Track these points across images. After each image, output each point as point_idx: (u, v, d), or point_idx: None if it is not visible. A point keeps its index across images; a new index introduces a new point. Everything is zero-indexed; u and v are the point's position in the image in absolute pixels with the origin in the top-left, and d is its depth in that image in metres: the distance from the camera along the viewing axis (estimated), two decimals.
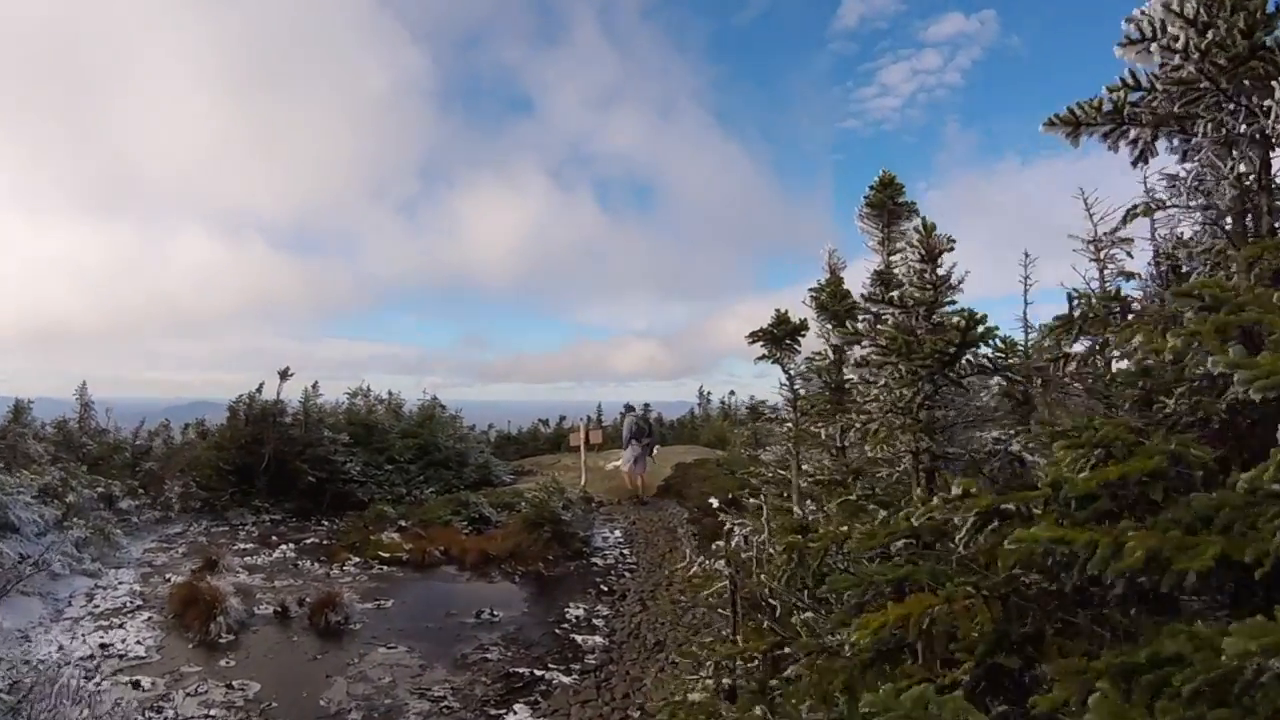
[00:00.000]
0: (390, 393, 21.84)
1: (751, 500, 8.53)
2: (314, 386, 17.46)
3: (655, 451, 21.40)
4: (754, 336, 6.38)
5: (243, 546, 13.09)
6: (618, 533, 13.93)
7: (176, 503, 15.02)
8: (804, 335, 6.52)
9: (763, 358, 6.50)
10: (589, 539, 12.92)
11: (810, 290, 7.05)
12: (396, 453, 18.38)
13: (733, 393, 31.59)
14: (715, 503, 6.78)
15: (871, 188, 7.92)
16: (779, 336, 6.30)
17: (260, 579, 11.01)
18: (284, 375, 17.17)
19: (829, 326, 6.80)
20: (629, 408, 19.37)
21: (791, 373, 6.50)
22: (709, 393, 31.49)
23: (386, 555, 11.93)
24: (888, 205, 7.74)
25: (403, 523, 13.50)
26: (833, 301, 6.81)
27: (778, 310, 6.48)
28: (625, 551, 12.65)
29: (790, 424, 6.45)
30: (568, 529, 12.31)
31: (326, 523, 15.33)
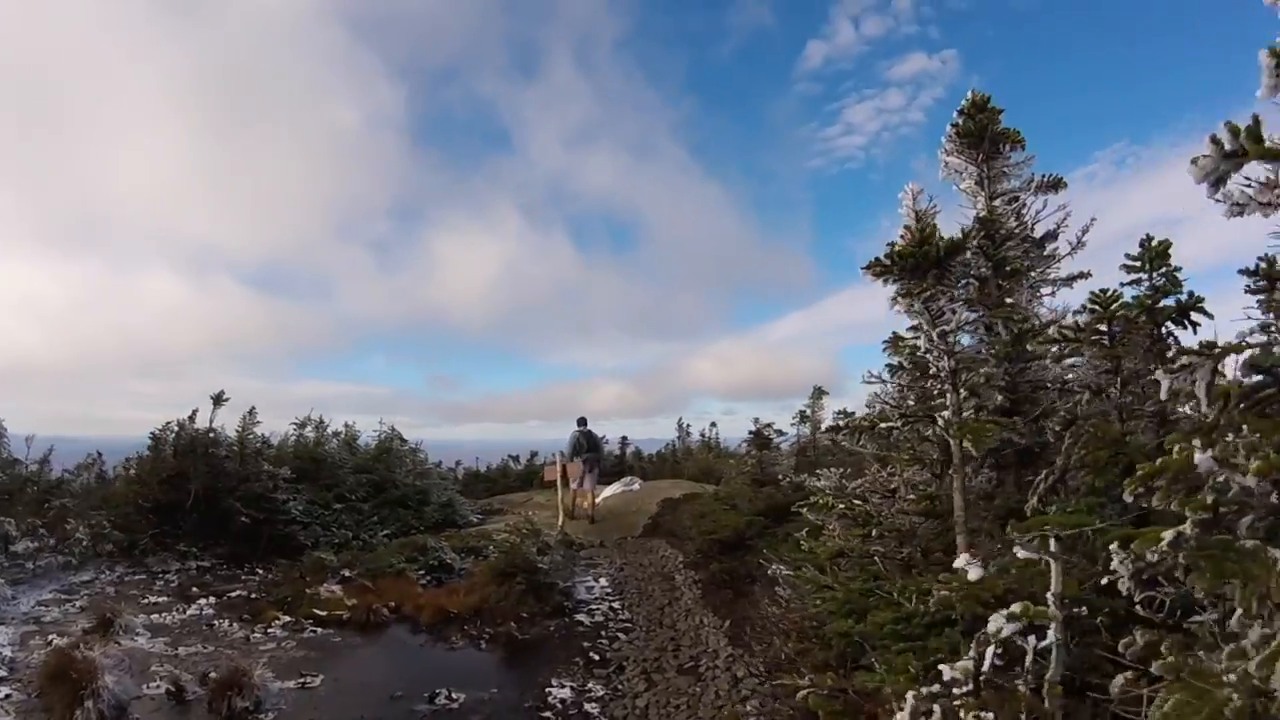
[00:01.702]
0: (346, 424, 19.69)
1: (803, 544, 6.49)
2: (251, 413, 15.16)
3: (639, 484, 19.58)
4: (878, 267, 4.25)
5: (154, 600, 10.83)
6: (604, 581, 11.77)
7: (81, 546, 12.66)
8: (963, 256, 4.42)
9: (898, 299, 4.37)
10: (571, 590, 10.77)
11: (892, 246, 4.96)
12: (348, 490, 16.17)
13: (714, 424, 29.99)
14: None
15: (961, 112, 5.97)
16: (923, 263, 4.13)
17: (163, 643, 8.79)
18: (218, 400, 14.93)
19: (921, 303, 4.69)
20: (582, 422, 17.47)
21: (951, 322, 4.31)
22: (688, 425, 29.71)
23: (323, 614, 9.72)
24: (986, 134, 5.82)
25: (346, 572, 11.23)
26: (925, 257, 4.66)
27: (908, 227, 4.35)
28: (616, 605, 10.48)
29: (946, 416, 4.28)
30: (545, 579, 10.16)
31: (261, 571, 13.04)
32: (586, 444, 17.08)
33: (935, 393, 4.62)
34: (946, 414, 4.16)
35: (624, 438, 28.39)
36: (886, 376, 5.36)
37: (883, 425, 4.96)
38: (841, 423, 5.18)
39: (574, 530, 15.46)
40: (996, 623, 2.73)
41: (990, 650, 2.78)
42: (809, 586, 5.54)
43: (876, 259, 4.21)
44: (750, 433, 14.08)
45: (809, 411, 15.04)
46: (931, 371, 4.58)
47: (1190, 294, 4.72)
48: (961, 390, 4.21)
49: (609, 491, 19.33)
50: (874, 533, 5.00)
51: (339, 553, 12.93)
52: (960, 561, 3.13)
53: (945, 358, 4.19)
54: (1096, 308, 4.80)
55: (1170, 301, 4.75)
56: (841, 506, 5.49)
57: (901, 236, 5.18)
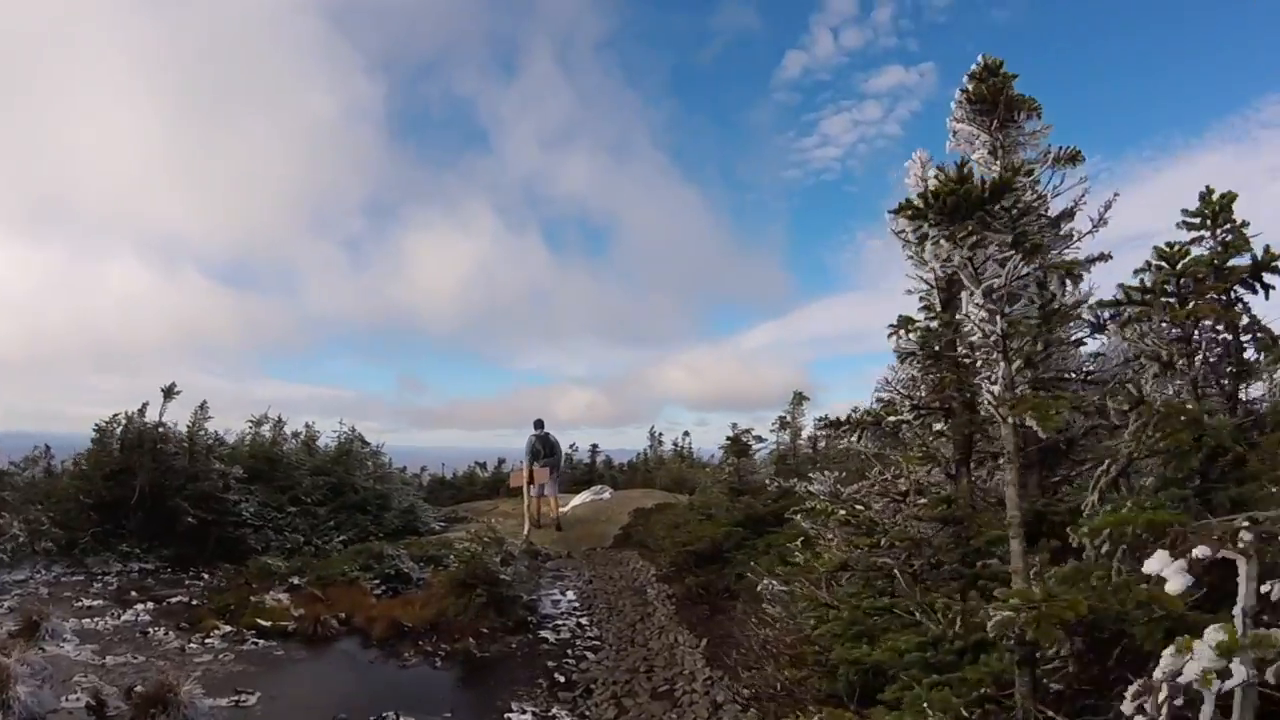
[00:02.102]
0: (307, 424, 18.92)
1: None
2: (202, 407, 14.31)
3: (610, 493, 19.00)
4: (910, 210, 3.57)
5: (89, 604, 10.07)
6: (570, 594, 11.10)
7: (17, 542, 11.79)
8: (1010, 198, 3.74)
9: (939, 242, 3.64)
10: (535, 604, 10.09)
11: (911, 205, 4.29)
12: (304, 492, 15.37)
13: (687, 434, 29.25)
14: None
15: (971, 76, 5.38)
16: (964, 203, 3.47)
17: (91, 651, 8.06)
18: (169, 393, 14.11)
19: (966, 250, 3.92)
20: (538, 425, 16.68)
21: (1003, 275, 3.57)
22: (660, 434, 28.93)
23: (267, 624, 8.98)
24: (1000, 99, 5.24)
25: (295, 580, 10.46)
26: (967, 197, 3.94)
27: (945, 168, 3.69)
28: (583, 621, 9.78)
29: (995, 392, 3.55)
30: (507, 591, 9.48)
31: (207, 575, 12.26)
32: (543, 449, 16.37)
33: (978, 364, 3.99)
34: (996, 389, 3.48)
35: (594, 446, 27.68)
36: (895, 365, 4.73)
37: (890, 419, 4.36)
38: (842, 417, 4.56)
39: (540, 540, 14.80)
40: (1199, 661, 2.04)
41: (1169, 702, 2.08)
42: (805, 604, 4.90)
43: (907, 200, 3.56)
44: (728, 438, 13.24)
45: (789, 418, 14.24)
46: (976, 338, 3.94)
47: (1266, 248, 4.08)
48: (1015, 360, 3.55)
49: (578, 500, 18.65)
50: (882, 542, 4.36)
51: (290, 558, 12.19)
52: (1154, 564, 2.41)
53: (994, 319, 3.50)
54: (1163, 264, 4.17)
55: (1242, 260, 4.12)
56: (842, 513, 4.81)
57: (934, 173, 4.61)
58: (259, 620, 9.05)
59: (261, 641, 8.68)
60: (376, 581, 10.76)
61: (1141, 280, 4.26)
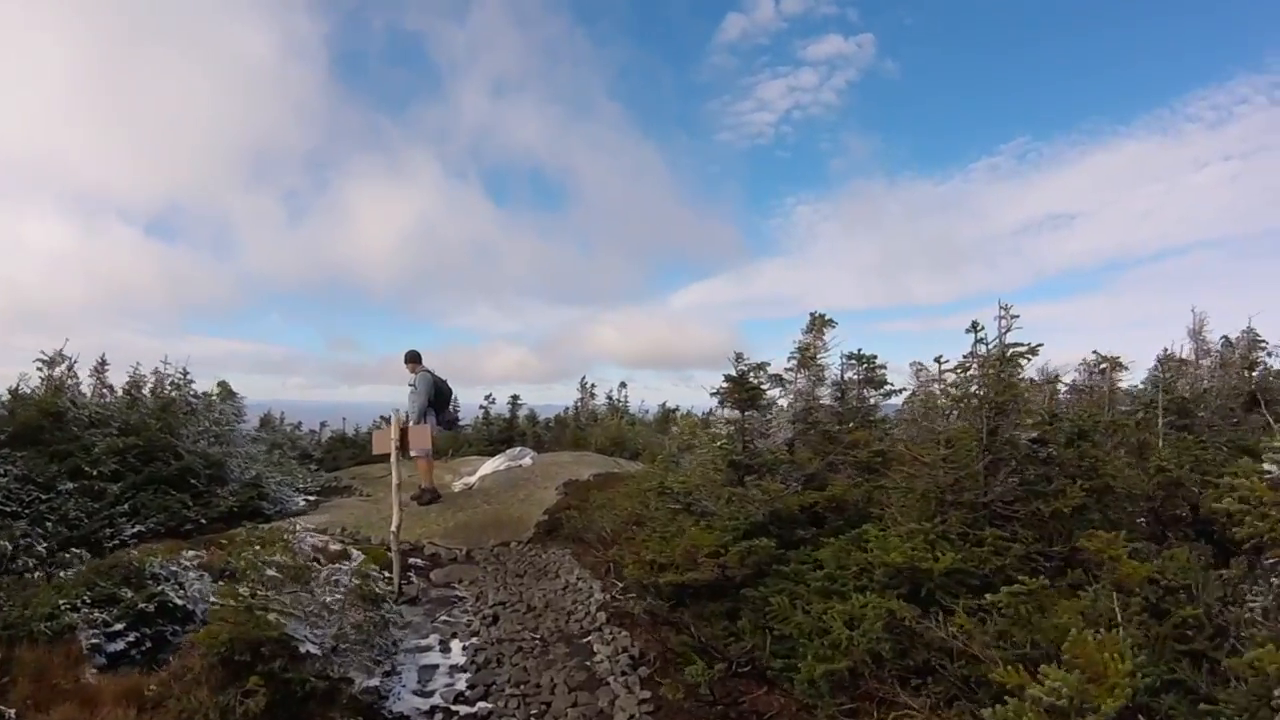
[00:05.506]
0: (136, 365, 13.86)
1: None
2: None
3: (532, 457, 14.52)
4: None
5: None
6: (458, 650, 6.42)
7: None
8: None
9: None
10: (379, 694, 5.34)
11: None
12: (90, 462, 10.53)
13: (624, 385, 24.62)
14: None
15: None
16: None
17: None
18: None
19: None
20: (414, 357, 12.41)
21: None
22: (593, 385, 24.28)
23: None
24: None
25: None
26: None
27: None
28: None
29: None
30: (317, 678, 4.87)
31: None
32: (448, 396, 12.26)
33: None
34: None
35: (514, 397, 22.89)
36: None
37: None
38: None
39: (426, 530, 10.19)
40: None
41: None
42: None
43: None
44: (727, 378, 7.45)
45: (811, 352, 8.63)
46: None
47: None
48: None
49: (489, 467, 13.94)
50: None
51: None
52: None
53: None
54: None
55: None
56: None
57: None
58: None
59: None
60: (121, 627, 6.16)
61: None
